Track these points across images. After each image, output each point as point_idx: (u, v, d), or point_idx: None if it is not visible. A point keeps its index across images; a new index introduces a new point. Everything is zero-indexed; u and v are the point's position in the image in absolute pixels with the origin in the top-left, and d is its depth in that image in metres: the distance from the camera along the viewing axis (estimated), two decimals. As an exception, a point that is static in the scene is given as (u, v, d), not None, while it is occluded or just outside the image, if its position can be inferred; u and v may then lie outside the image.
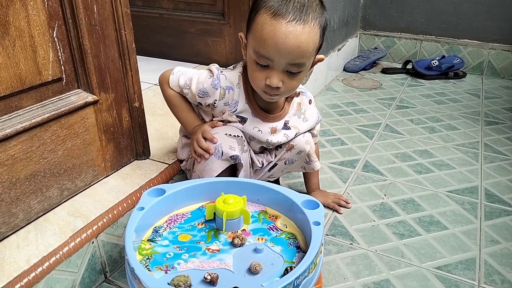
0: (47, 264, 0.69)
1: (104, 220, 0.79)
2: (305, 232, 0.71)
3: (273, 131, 0.90)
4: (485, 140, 1.41)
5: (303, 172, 1.04)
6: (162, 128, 1.15)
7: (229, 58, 1.61)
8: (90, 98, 0.82)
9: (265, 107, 0.89)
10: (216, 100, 0.86)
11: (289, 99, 0.91)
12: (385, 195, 1.09)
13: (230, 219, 0.71)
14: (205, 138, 0.84)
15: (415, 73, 2.03)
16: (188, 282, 0.60)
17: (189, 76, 0.87)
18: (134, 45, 0.88)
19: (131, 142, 0.95)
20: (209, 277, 0.60)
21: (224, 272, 0.63)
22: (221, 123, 0.87)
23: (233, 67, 0.89)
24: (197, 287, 0.61)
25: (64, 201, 0.82)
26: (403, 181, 1.16)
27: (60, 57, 0.75)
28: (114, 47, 0.85)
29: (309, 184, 1.05)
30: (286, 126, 0.91)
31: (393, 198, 1.08)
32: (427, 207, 1.04)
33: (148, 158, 0.99)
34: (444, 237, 0.94)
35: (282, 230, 0.73)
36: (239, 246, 0.69)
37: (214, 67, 0.87)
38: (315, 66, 0.85)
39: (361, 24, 2.24)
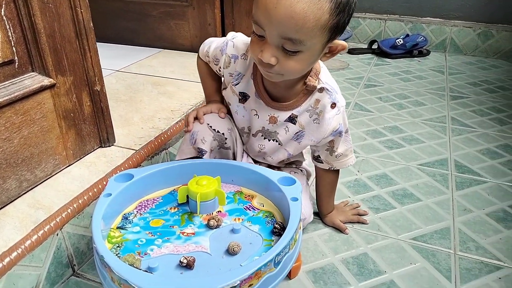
0: (7, 259, 0.63)
1: (69, 210, 0.74)
2: (283, 209, 0.69)
3: (272, 120, 0.78)
4: (451, 114, 1.43)
5: (316, 193, 0.91)
6: (127, 114, 1.10)
7: (194, 41, 1.56)
8: (46, 81, 0.76)
9: (273, 90, 0.76)
10: (221, 68, 0.80)
11: (305, 90, 0.75)
12: (358, 171, 1.09)
13: (204, 201, 0.68)
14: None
15: (380, 53, 2.04)
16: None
17: (213, 43, 0.81)
18: (91, 24, 0.83)
19: (94, 128, 0.90)
20: (185, 261, 0.57)
21: (201, 254, 0.61)
22: (223, 114, 0.81)
23: None
24: (173, 272, 0.58)
25: (24, 193, 0.77)
26: (375, 157, 1.16)
27: (10, 38, 0.69)
28: (70, 26, 0.79)
29: (324, 207, 0.90)
30: (291, 120, 0.78)
31: (366, 174, 1.08)
32: (400, 180, 1.05)
33: (113, 145, 0.94)
34: (418, 209, 0.94)
35: (259, 209, 0.71)
36: (215, 228, 0.66)
37: (233, 33, 0.80)
38: (335, 54, 0.69)
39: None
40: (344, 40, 2.17)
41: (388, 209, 0.94)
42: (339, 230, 0.87)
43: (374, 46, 2.08)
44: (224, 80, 0.82)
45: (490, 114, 1.43)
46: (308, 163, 0.94)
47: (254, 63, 0.75)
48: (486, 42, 2.00)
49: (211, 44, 0.81)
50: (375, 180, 1.05)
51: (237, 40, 0.78)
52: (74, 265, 0.76)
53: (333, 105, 0.76)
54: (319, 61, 0.72)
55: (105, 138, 0.92)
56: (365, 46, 2.14)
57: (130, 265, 0.58)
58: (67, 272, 0.75)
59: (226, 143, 0.80)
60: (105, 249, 0.55)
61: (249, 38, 0.72)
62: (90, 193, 0.79)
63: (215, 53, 0.80)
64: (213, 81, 0.86)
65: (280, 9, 0.59)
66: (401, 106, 1.49)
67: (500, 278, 0.76)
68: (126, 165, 0.88)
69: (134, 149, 0.92)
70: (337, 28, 0.63)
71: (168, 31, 1.60)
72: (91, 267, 0.78)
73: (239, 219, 0.69)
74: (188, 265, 0.58)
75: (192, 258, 0.58)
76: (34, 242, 0.67)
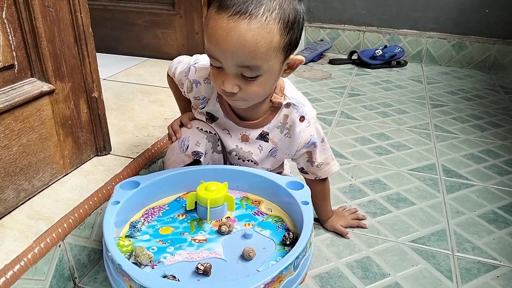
0: (10, 273, 0.61)
1: (70, 220, 0.72)
2: (292, 213, 0.70)
3: (244, 139, 0.79)
4: (434, 121, 1.48)
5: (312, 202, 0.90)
6: (120, 122, 1.08)
7: (181, 50, 1.56)
8: (46, 87, 0.74)
9: (240, 111, 0.77)
10: (185, 92, 0.82)
11: (272, 107, 0.76)
12: (352, 177, 1.11)
13: (213, 207, 0.67)
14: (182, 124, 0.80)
15: (360, 63, 2.09)
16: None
17: (179, 64, 0.82)
18: (91, 30, 0.81)
19: (90, 137, 0.88)
20: (202, 267, 0.57)
21: (216, 261, 0.60)
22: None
23: None
24: (190, 279, 0.57)
25: (22, 203, 0.74)
26: (367, 163, 1.18)
27: (11, 42, 0.67)
28: (69, 31, 0.78)
29: (323, 214, 0.90)
30: (263, 137, 0.78)
31: (360, 180, 1.09)
32: (392, 185, 1.07)
33: (109, 154, 0.92)
34: (413, 212, 0.97)
35: (267, 214, 0.71)
36: (227, 234, 0.66)
37: (196, 56, 0.81)
38: (295, 68, 0.71)
39: (306, 17, 2.27)
40: (324, 51, 2.22)
41: (385, 213, 0.96)
42: (340, 234, 0.88)
43: (354, 57, 2.13)
44: (192, 103, 0.83)
45: (470, 121, 1.49)
46: (289, 173, 0.95)
47: None
48: (460, 53, 2.09)
49: (178, 66, 0.82)
50: (369, 185, 1.07)
51: (199, 65, 0.78)
52: (75, 277, 0.74)
53: (302, 119, 0.76)
54: (282, 77, 0.73)
55: (102, 146, 0.90)
56: (345, 57, 2.19)
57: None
58: (68, 286, 0.72)
59: (218, 144, 0.80)
60: (121, 257, 0.54)
61: (205, 61, 0.75)
62: (91, 202, 0.76)
63: (180, 77, 0.81)
64: (181, 97, 0.87)
65: (231, 40, 0.59)
66: (386, 114, 1.53)
67: (498, 276, 0.78)
68: (125, 174, 0.86)
69: (132, 157, 0.91)
70: (290, 45, 0.64)
71: (154, 40, 1.59)
72: (92, 279, 0.76)
73: (249, 224, 0.68)
74: (205, 272, 0.57)
75: (209, 264, 0.58)
76: (37, 254, 0.65)
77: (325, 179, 0.86)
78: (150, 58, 1.60)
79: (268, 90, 0.71)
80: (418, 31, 2.13)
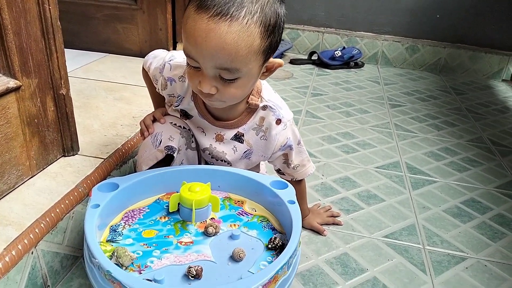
0: (-21, 285, 0.56)
1: (42, 225, 0.67)
2: (277, 213, 0.69)
3: (219, 138, 0.78)
4: (394, 120, 1.54)
5: None
6: (85, 121, 1.02)
7: (143, 46, 1.51)
8: (12, 83, 0.69)
9: (216, 111, 0.75)
10: (159, 89, 0.79)
11: (249, 109, 0.76)
12: (323, 175, 1.12)
13: (198, 208, 0.65)
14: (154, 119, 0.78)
15: (320, 63, 2.13)
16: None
17: (154, 59, 0.80)
18: (59, 23, 0.76)
19: (57, 136, 0.83)
20: (194, 272, 0.55)
21: (206, 263, 0.58)
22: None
23: None
24: (181, 283, 0.55)
25: (-15, 209, 0.68)
26: (336, 161, 1.20)
27: (-27, 32, 0.62)
28: (36, 23, 0.72)
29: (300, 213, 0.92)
30: (238, 138, 0.78)
31: (331, 177, 1.12)
32: (362, 183, 1.10)
33: (77, 154, 0.87)
34: (383, 208, 1.00)
35: (252, 214, 0.70)
36: (214, 235, 0.64)
37: (172, 53, 0.78)
38: (273, 71, 0.70)
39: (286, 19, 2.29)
40: (285, 51, 2.23)
41: (357, 210, 0.98)
42: (317, 232, 0.89)
43: (314, 57, 2.18)
44: (166, 99, 0.80)
45: (427, 120, 1.56)
46: (265, 172, 0.95)
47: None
48: (413, 56, 2.19)
49: (153, 61, 0.80)
50: (339, 183, 1.09)
51: (174, 62, 0.76)
52: (48, 286, 0.69)
53: (278, 121, 0.76)
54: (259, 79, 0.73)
55: (69, 146, 0.85)
56: (305, 57, 2.22)
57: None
58: (40, 295, 0.68)
59: (193, 141, 0.79)
60: (109, 263, 0.51)
61: (181, 59, 0.74)
62: (62, 206, 0.72)
63: (155, 73, 0.79)
64: (155, 92, 0.84)
65: (210, 42, 0.57)
66: (348, 113, 1.57)
67: (467, 268, 0.83)
68: (97, 175, 0.81)
69: (102, 158, 0.86)
70: (270, 49, 0.63)
71: (114, 35, 1.52)
72: (66, 287, 0.71)
73: (234, 225, 0.67)
74: (196, 275, 0.55)
75: (200, 267, 0.56)
76: (9, 262, 0.60)
77: (301, 180, 0.87)
78: (110, 53, 1.54)
79: (246, 92, 0.70)
80: (374, 34, 2.20)
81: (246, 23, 0.58)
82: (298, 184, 0.86)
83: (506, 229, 0.95)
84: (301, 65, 2.14)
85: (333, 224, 0.92)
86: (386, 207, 1.01)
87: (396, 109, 1.66)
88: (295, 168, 0.83)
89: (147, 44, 1.50)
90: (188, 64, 0.64)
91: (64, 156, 0.86)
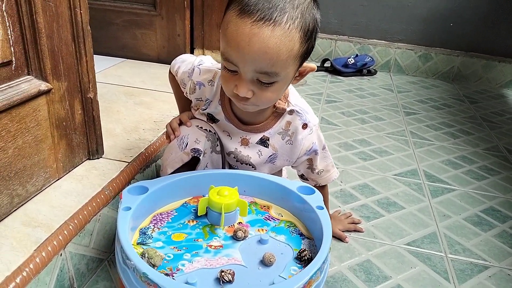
0: (12, 285, 0.56)
1: (70, 227, 0.67)
2: (304, 218, 0.70)
3: (244, 142, 0.78)
4: (409, 128, 1.54)
5: None
6: (107, 125, 1.03)
7: (161, 52, 1.52)
8: (44, 86, 0.70)
9: (243, 115, 0.76)
10: (187, 93, 0.80)
11: (276, 113, 0.76)
12: (341, 182, 1.12)
13: (227, 212, 0.66)
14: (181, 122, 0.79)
15: (333, 71, 2.14)
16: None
17: (183, 64, 0.80)
18: (89, 27, 0.78)
19: (83, 139, 0.83)
20: (230, 277, 0.55)
21: (237, 267, 0.58)
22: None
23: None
24: (214, 286, 0.55)
25: (15, 210, 0.69)
26: (353, 168, 1.20)
27: (9, 36, 0.63)
28: (67, 27, 0.73)
29: None
30: (263, 143, 0.78)
31: (349, 184, 1.11)
32: (381, 190, 1.10)
33: (101, 157, 0.88)
34: (404, 216, 1.00)
35: (279, 219, 0.70)
36: (243, 239, 0.64)
37: (200, 58, 0.79)
38: (305, 76, 0.71)
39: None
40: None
41: (378, 217, 0.98)
42: (339, 239, 0.89)
43: (327, 64, 2.18)
44: (192, 103, 0.81)
45: (442, 128, 1.56)
46: (286, 178, 0.95)
47: (221, 88, 0.75)
48: (426, 64, 2.19)
49: (181, 65, 0.81)
50: (359, 190, 1.09)
51: (204, 66, 0.77)
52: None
53: (305, 126, 0.77)
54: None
55: (94, 149, 0.86)
56: (318, 64, 2.23)
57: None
58: (67, 297, 0.68)
59: (217, 144, 0.79)
60: (145, 266, 0.51)
61: (216, 62, 0.75)
62: (90, 208, 0.72)
63: (183, 77, 0.80)
64: (182, 95, 0.85)
65: (253, 46, 0.58)
66: (364, 120, 1.57)
67: (490, 276, 0.82)
68: (122, 178, 0.82)
69: (126, 162, 0.87)
70: (306, 53, 0.65)
71: (133, 40, 1.54)
72: (91, 289, 0.72)
73: (262, 230, 0.67)
74: (230, 279, 0.55)
75: (232, 271, 0.56)
76: (39, 263, 0.60)
77: (325, 186, 0.87)
78: (128, 59, 1.55)
79: (279, 96, 0.70)
80: (387, 42, 2.21)
81: (288, 28, 0.59)
82: (321, 189, 0.86)
83: (528, 239, 0.95)
84: (314, 72, 2.14)
85: (355, 231, 0.92)
86: (406, 214, 1.00)
87: (411, 116, 1.66)
88: (319, 173, 0.83)
89: (165, 50, 1.52)
90: (224, 67, 0.65)
91: (89, 159, 0.86)
